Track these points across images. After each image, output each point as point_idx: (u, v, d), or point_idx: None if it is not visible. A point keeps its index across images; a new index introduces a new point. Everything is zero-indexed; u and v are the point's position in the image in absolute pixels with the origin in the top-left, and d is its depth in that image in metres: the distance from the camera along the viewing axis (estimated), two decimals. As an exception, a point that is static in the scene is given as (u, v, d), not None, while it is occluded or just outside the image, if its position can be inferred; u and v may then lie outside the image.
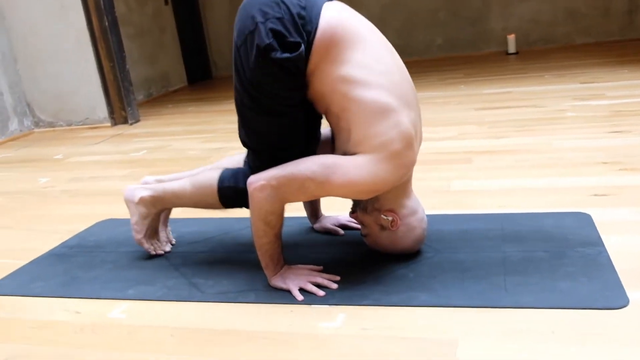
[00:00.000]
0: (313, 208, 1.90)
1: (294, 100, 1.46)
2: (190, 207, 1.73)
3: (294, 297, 1.45)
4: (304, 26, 1.39)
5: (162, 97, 6.07)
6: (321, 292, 1.45)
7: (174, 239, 1.91)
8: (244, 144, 1.57)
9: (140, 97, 5.81)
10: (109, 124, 4.55)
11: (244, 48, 1.41)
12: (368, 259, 1.63)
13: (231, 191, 1.60)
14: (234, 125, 3.94)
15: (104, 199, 2.57)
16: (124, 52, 4.58)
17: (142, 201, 1.75)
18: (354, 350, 1.22)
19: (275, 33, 1.36)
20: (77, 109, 4.60)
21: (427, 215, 1.90)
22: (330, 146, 1.68)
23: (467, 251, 1.62)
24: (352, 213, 1.63)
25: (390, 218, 1.53)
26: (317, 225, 1.89)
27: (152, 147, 3.56)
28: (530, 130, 2.90)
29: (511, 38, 6.48)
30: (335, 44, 1.41)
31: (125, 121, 4.59)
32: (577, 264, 1.47)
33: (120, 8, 5.56)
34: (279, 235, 1.51)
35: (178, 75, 6.74)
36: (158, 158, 3.24)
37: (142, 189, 1.76)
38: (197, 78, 7.16)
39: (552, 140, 2.67)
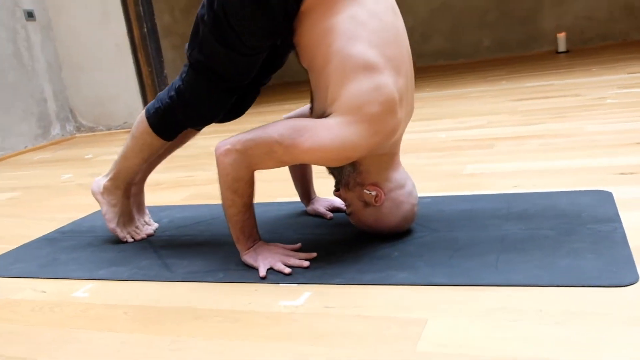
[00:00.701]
0: (305, 189, 1.77)
1: (259, 45, 1.36)
2: (143, 167, 1.69)
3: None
4: None
5: (205, 104, 6.10)
6: (287, 270, 1.32)
7: (155, 223, 1.83)
8: (188, 56, 1.47)
9: (182, 104, 5.85)
10: (145, 128, 4.57)
11: None
12: (352, 240, 1.49)
13: (157, 114, 1.54)
14: (262, 123, 3.86)
15: (115, 191, 2.52)
16: (162, 57, 4.61)
17: (105, 188, 1.71)
18: (306, 329, 1.08)
19: None
20: (116, 113, 4.66)
21: (430, 197, 1.74)
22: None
23: (464, 230, 1.45)
24: (336, 191, 1.50)
25: (373, 193, 1.38)
26: (309, 208, 1.76)
27: (177, 145, 3.53)
28: (564, 117, 2.67)
29: (561, 36, 6.17)
30: None
31: (161, 125, 4.61)
32: (586, 241, 1.28)
33: (165, 19, 5.66)
34: (249, 206, 1.38)
35: (222, 83, 6.78)
36: (179, 154, 3.19)
37: (103, 178, 1.73)
38: (242, 86, 7.18)
39: (585, 125, 2.44)
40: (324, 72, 1.31)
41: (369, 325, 1.06)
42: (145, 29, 4.44)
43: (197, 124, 1.57)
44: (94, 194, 1.74)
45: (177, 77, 1.53)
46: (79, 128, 4.78)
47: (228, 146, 1.32)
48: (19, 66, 4.24)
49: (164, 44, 5.50)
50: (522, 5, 6.59)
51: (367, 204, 1.41)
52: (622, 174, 1.73)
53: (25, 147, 4.25)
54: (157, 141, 1.60)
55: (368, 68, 1.26)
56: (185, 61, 1.50)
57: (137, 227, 1.76)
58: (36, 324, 1.27)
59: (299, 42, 1.36)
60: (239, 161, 1.31)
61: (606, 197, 1.53)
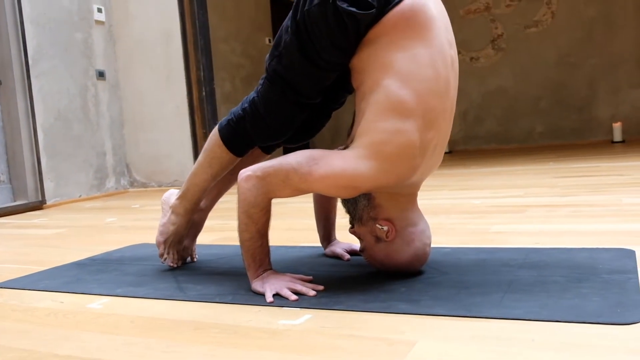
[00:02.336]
0: (326, 230, 1.80)
1: (332, 60, 1.38)
2: (211, 186, 1.70)
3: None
4: None
5: (255, 171, 6.28)
6: (294, 297, 1.34)
7: (196, 257, 1.88)
8: (266, 67, 1.49)
9: (233, 169, 6.04)
10: (194, 186, 4.74)
11: None
12: (364, 276, 1.50)
13: (229, 126, 1.56)
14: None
15: (152, 231, 2.61)
16: (217, 120, 4.84)
17: (173, 206, 1.75)
18: (298, 342, 1.09)
19: None
20: (168, 171, 4.86)
21: (450, 248, 1.73)
22: None
23: (475, 274, 1.43)
24: (351, 228, 1.52)
25: (385, 228, 1.40)
26: (327, 250, 1.79)
27: (220, 201, 3.63)
28: (602, 191, 2.63)
29: (617, 126, 6.11)
30: (405, 27, 1.31)
31: (209, 184, 4.77)
32: (596, 287, 1.25)
33: (226, 86, 5.97)
34: (262, 234, 1.43)
35: (275, 152, 6.97)
36: (221, 207, 3.29)
37: (177, 194, 1.77)
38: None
39: (623, 197, 2.40)
40: (366, 99, 1.35)
41: (359, 343, 1.06)
42: (204, 93, 4.69)
43: (266, 139, 1.57)
44: (162, 202, 1.79)
45: (253, 91, 1.55)
46: (132, 183, 4.99)
47: (249, 172, 1.38)
48: (85, 120, 4.54)
49: (222, 109, 5.77)
50: (576, 93, 6.61)
51: (378, 239, 1.43)
52: (649, 237, 1.69)
53: (80, 195, 4.47)
54: (226, 155, 1.60)
55: (402, 112, 1.29)
56: (263, 74, 1.52)
57: (178, 252, 1.80)
58: (47, 325, 1.32)
59: (356, 65, 1.39)
60: (258, 187, 1.37)
61: (627, 254, 1.50)
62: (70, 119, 4.40)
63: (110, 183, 4.81)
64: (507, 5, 6.82)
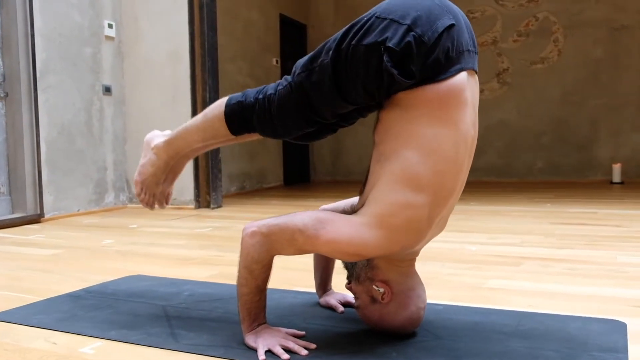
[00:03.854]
0: (323, 279, 1.81)
1: (359, 100, 1.37)
2: (198, 146, 1.66)
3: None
4: (437, 67, 1.28)
5: (254, 192, 6.30)
6: (285, 355, 1.34)
7: (171, 201, 1.88)
8: (294, 74, 1.46)
9: (233, 188, 6.07)
10: (193, 206, 4.76)
11: (378, 22, 1.30)
12: (356, 335, 1.51)
13: (237, 106, 1.52)
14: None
15: (150, 259, 2.63)
16: (218, 141, 4.86)
17: (156, 148, 1.73)
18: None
19: (407, 46, 1.26)
20: (167, 189, 4.87)
21: (442, 305, 1.74)
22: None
23: (467, 340, 1.44)
24: (347, 284, 1.54)
25: (382, 290, 1.41)
26: (322, 300, 1.79)
27: (217, 226, 3.65)
28: (598, 245, 2.64)
29: (617, 167, 6.15)
30: (437, 106, 1.30)
31: (208, 205, 4.78)
32: (586, 368, 1.26)
33: (228, 105, 5.99)
34: (261, 289, 1.44)
35: (275, 174, 7.01)
36: (216, 235, 3.30)
37: (161, 136, 1.74)
38: (295, 180, 7.39)
39: (618, 254, 2.41)
40: (382, 164, 1.35)
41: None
42: (208, 115, 4.71)
43: (266, 133, 1.55)
44: (145, 142, 1.77)
45: (273, 85, 1.51)
46: (131, 199, 5.00)
47: (254, 228, 1.39)
48: (88, 134, 4.56)
49: (225, 130, 5.80)
50: (578, 132, 6.65)
51: (374, 300, 1.44)
52: (642, 307, 1.70)
53: (78, 210, 4.48)
54: (223, 130, 1.58)
55: (415, 187, 1.30)
56: (289, 78, 1.48)
57: (155, 195, 1.79)
58: (39, 372, 1.32)
59: (383, 120, 1.38)
60: (262, 243, 1.38)
61: (619, 328, 1.51)
62: (74, 133, 4.42)
63: (110, 198, 4.82)
64: (514, 40, 6.88)
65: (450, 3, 1.37)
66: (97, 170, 4.67)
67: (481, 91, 7.05)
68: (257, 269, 1.40)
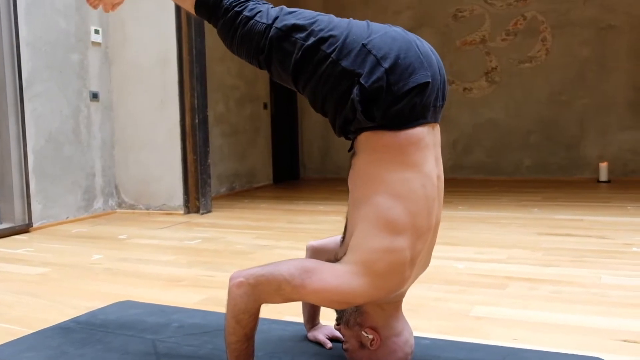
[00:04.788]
0: (311, 314, 1.82)
1: (306, 94, 1.44)
2: None
3: (247, 404, 1.37)
4: (398, 118, 1.32)
5: (244, 192, 6.30)
6: (273, 404, 1.36)
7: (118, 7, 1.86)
8: (281, 10, 1.48)
9: (222, 189, 6.07)
10: (182, 212, 4.76)
11: (362, 51, 1.33)
12: (344, 376, 1.53)
13: (213, 2, 1.51)
14: (292, 225, 3.98)
15: (138, 280, 2.63)
16: (208, 147, 4.85)
17: None
18: None
19: (377, 90, 1.30)
20: (156, 194, 4.87)
21: (429, 340, 1.77)
22: (326, 255, 1.63)
23: (452, 383, 1.47)
24: (336, 325, 1.56)
25: (370, 336, 1.43)
26: (310, 334, 1.81)
27: (206, 237, 3.66)
28: (584, 261, 2.68)
29: (603, 166, 6.21)
30: (397, 152, 1.34)
31: (197, 210, 4.79)
32: (567, 416, 1.28)
33: (219, 108, 5.98)
34: (249, 337, 1.45)
35: (265, 173, 7.01)
36: (205, 248, 3.31)
37: None
38: (284, 178, 7.40)
39: (602, 274, 2.45)
40: (357, 210, 1.38)
41: None
42: (197, 120, 4.71)
43: (221, 37, 1.54)
44: None
45: (252, 5, 1.49)
46: (120, 204, 4.99)
47: (241, 279, 1.40)
48: (76, 141, 4.53)
49: (215, 131, 5.80)
50: (566, 131, 6.70)
51: (362, 345, 1.46)
52: (625, 340, 1.73)
53: (67, 217, 4.47)
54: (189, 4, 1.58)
55: (392, 230, 1.33)
56: (270, 18, 1.46)
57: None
58: None
59: (354, 163, 1.41)
60: (249, 294, 1.39)
61: (600, 367, 1.54)
62: (62, 140, 4.40)
63: (99, 204, 4.81)
64: (503, 39, 6.89)
65: (433, 54, 1.39)
66: (85, 177, 4.65)
67: (470, 89, 7.09)
68: (244, 319, 1.41)
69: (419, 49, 1.36)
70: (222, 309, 2.12)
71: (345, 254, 1.40)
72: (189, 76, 4.69)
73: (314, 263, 1.40)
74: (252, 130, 6.69)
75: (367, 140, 1.37)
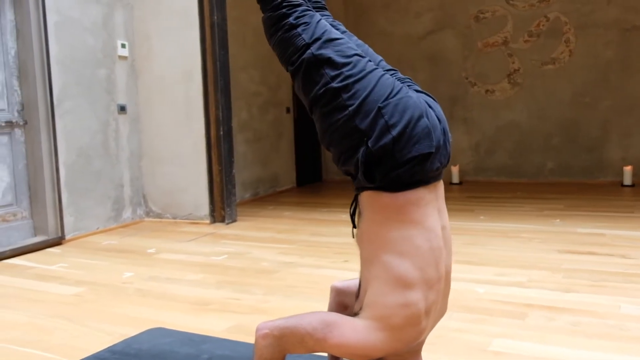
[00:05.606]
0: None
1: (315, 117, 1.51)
2: None
3: None
4: (397, 182, 1.40)
5: (268, 197, 6.40)
6: None
7: None
8: (323, 35, 1.50)
9: (247, 195, 6.17)
10: (208, 221, 4.87)
11: (376, 112, 1.40)
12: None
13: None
14: (315, 239, 4.06)
15: (166, 303, 2.74)
16: (232, 158, 4.95)
17: None
18: None
19: (380, 152, 1.38)
20: (183, 204, 4.99)
21: (448, 377, 1.84)
22: (348, 298, 1.72)
23: None
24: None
25: (389, 384, 1.51)
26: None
27: (232, 252, 3.76)
28: (603, 286, 2.72)
29: (628, 170, 6.17)
30: (397, 210, 1.42)
31: (222, 220, 4.90)
32: None
33: (242, 115, 6.07)
34: (275, 383, 1.54)
35: (288, 177, 7.10)
36: (232, 266, 3.41)
37: None
38: (307, 180, 7.48)
39: (622, 303, 2.49)
40: (367, 269, 1.47)
41: None
42: (221, 132, 4.81)
43: (264, 23, 1.56)
44: None
45: (298, 15, 1.51)
46: (148, 213, 5.13)
47: (267, 330, 1.49)
48: (105, 155, 4.67)
49: (238, 138, 5.90)
50: (589, 133, 6.65)
51: (383, 393, 1.54)
52: (639, 382, 1.78)
53: (98, 228, 4.61)
54: None
55: (405, 285, 1.41)
56: (308, 38, 1.49)
57: None
58: None
59: (359, 223, 1.50)
60: (274, 345, 1.48)
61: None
62: (91, 155, 4.53)
63: (127, 214, 4.95)
64: (525, 41, 6.85)
65: (440, 122, 1.47)
66: (114, 188, 4.79)
67: (492, 92, 7.07)
68: (270, 368, 1.50)
69: (427, 118, 1.42)
70: (250, 338, 2.22)
71: (361, 308, 1.48)
72: (214, 89, 4.79)
73: (335, 317, 1.48)
74: (275, 136, 6.77)
75: (368, 199, 1.46)
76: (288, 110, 7.04)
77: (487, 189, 6.35)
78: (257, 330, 1.51)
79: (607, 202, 5.17)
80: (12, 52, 4.02)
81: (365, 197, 1.47)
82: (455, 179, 6.94)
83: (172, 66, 4.87)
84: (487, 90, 7.09)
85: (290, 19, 1.50)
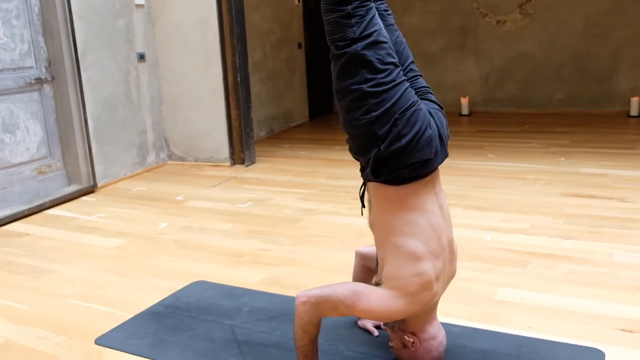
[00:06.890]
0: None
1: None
2: None
3: (316, 395, 1.78)
4: (399, 179, 1.67)
5: (283, 133, 6.62)
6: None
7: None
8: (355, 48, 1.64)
9: (262, 133, 6.39)
10: (229, 164, 5.13)
11: (393, 121, 1.61)
12: (389, 367, 1.92)
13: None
14: (333, 182, 4.31)
15: (203, 255, 3.04)
16: (250, 103, 5.14)
17: None
18: None
19: (388, 154, 1.62)
20: (204, 148, 5.24)
21: (458, 327, 2.14)
22: (367, 274, 2.03)
23: (477, 375, 1.85)
24: (384, 325, 1.94)
25: (411, 340, 1.81)
26: (360, 322, 2.20)
27: (256, 198, 4.03)
28: (600, 232, 2.98)
29: (635, 100, 6.29)
30: (397, 200, 1.70)
31: (242, 162, 5.15)
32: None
33: (256, 55, 6.18)
34: (314, 341, 1.84)
35: (301, 111, 7.28)
36: (257, 214, 3.69)
37: None
38: (319, 113, 7.66)
39: (615, 250, 2.75)
40: (382, 249, 1.76)
41: None
42: (239, 78, 4.97)
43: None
44: None
45: (343, 18, 1.63)
46: (170, 156, 5.38)
47: (305, 298, 1.77)
48: (128, 103, 4.87)
49: (253, 78, 6.03)
50: (599, 64, 6.72)
51: (405, 346, 1.84)
52: (622, 330, 2.07)
53: (125, 174, 4.89)
54: None
55: (415, 258, 1.69)
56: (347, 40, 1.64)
57: None
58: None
59: (370, 210, 1.81)
60: (312, 310, 1.76)
61: (599, 358, 1.90)
62: (115, 104, 4.73)
63: (151, 158, 5.20)
64: (537, -30, 6.78)
65: (441, 123, 1.73)
66: (138, 135, 5.02)
67: (503, 22, 7.08)
68: (309, 328, 1.79)
69: (430, 128, 1.67)
70: (282, 290, 2.53)
71: (381, 280, 1.76)
72: (230, 36, 4.90)
73: (362, 287, 1.77)
74: (288, 73, 6.89)
75: (375, 189, 1.75)
76: (300, 45, 7.11)
77: (496, 121, 6.51)
78: (297, 298, 1.79)
79: (612, 137, 5.35)
80: (36, 9, 4.14)
81: (372, 187, 1.76)
82: (465, 111, 7.10)
83: (188, 14, 4.96)
84: (498, 21, 7.10)
85: (349, 8, 1.62)
